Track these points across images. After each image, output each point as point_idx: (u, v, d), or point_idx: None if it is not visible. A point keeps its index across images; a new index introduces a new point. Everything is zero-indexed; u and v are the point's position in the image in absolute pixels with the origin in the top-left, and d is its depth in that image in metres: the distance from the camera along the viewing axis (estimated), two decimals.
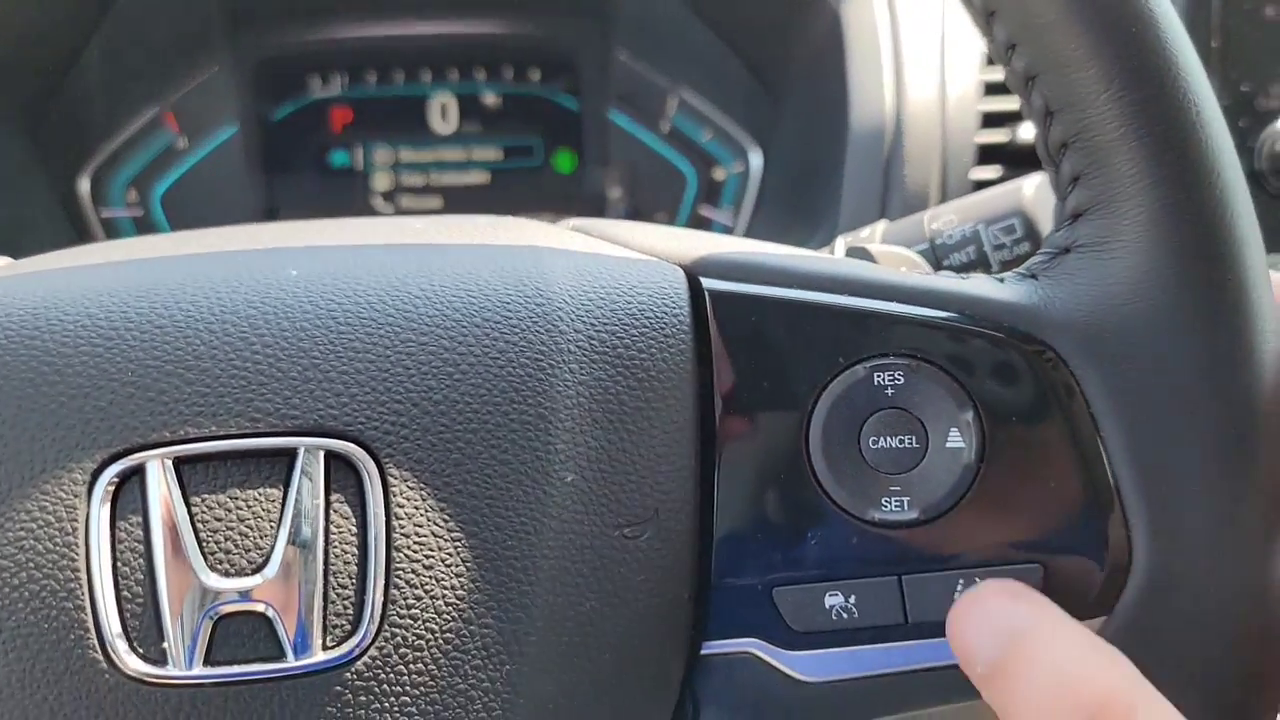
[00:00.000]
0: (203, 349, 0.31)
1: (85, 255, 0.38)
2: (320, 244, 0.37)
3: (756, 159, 0.92)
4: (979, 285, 0.35)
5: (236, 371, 0.31)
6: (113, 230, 0.92)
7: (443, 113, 0.95)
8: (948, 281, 0.36)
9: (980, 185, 0.70)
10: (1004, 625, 0.30)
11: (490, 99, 0.95)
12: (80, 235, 0.91)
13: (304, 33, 0.93)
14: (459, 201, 0.96)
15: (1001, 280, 0.36)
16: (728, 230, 0.94)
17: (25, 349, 0.31)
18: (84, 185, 0.92)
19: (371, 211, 0.96)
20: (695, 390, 0.34)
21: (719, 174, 0.94)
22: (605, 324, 0.34)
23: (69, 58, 0.86)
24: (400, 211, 0.96)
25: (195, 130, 0.93)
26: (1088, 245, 0.34)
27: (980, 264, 0.47)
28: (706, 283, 0.35)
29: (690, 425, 0.34)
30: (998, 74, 0.73)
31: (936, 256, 0.47)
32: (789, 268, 0.36)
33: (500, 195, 0.96)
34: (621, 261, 0.36)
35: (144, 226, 0.93)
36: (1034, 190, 0.47)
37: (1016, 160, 0.70)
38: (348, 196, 0.96)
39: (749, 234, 0.91)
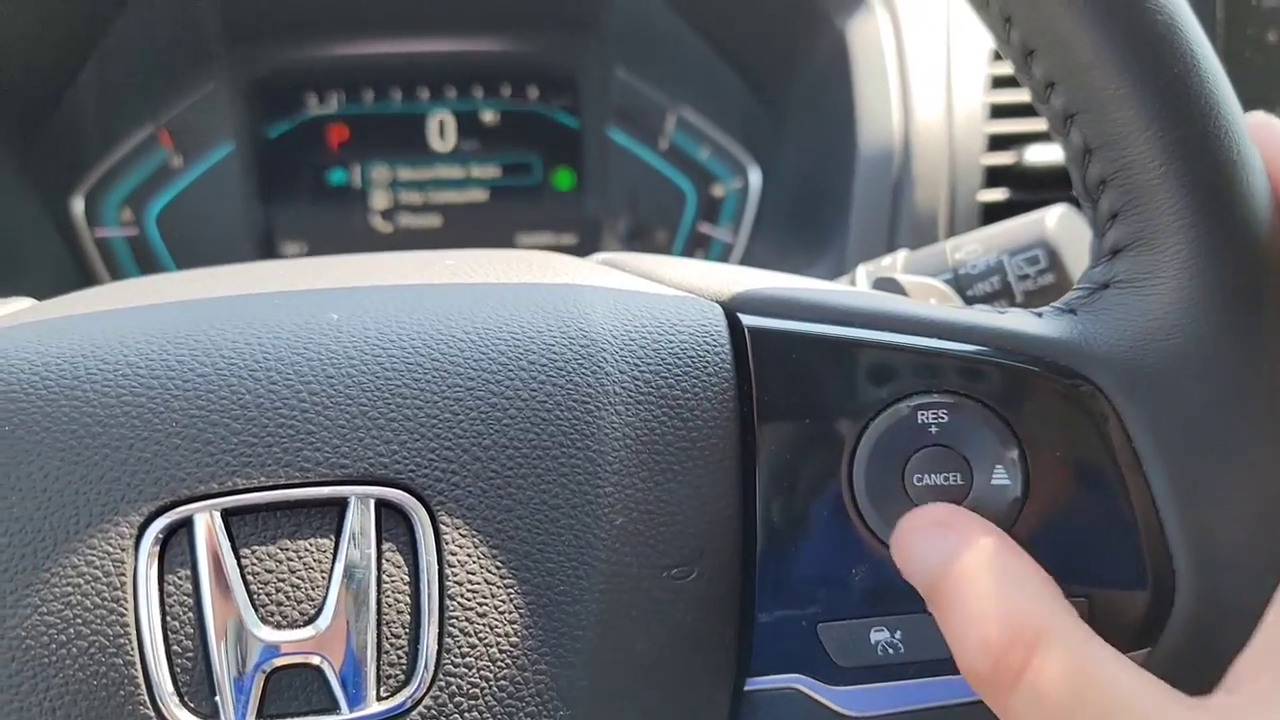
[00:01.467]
0: (248, 397, 0.31)
1: (113, 297, 0.38)
2: (355, 284, 0.37)
3: (756, 176, 0.93)
4: (1018, 320, 0.36)
5: (284, 420, 0.31)
6: (107, 251, 0.91)
7: (441, 130, 0.95)
8: (987, 316, 0.36)
9: (988, 208, 0.71)
10: (935, 554, 0.32)
11: (489, 116, 0.95)
12: (74, 256, 0.90)
13: (301, 50, 0.92)
14: (458, 220, 0.95)
15: (1040, 315, 0.36)
16: (727, 248, 0.94)
17: (66, 399, 0.31)
18: (77, 205, 0.91)
19: (370, 230, 0.95)
20: (738, 429, 0.34)
21: (718, 191, 0.94)
22: (649, 364, 0.34)
23: (65, 79, 0.85)
24: (399, 230, 0.96)
25: (190, 149, 0.92)
26: (1127, 281, 0.34)
27: (1004, 294, 0.47)
28: (745, 319, 0.35)
29: (733, 464, 0.34)
30: (1004, 96, 0.73)
31: (960, 286, 0.47)
32: (827, 303, 0.36)
33: (499, 213, 0.96)
34: (660, 299, 0.36)
35: (139, 247, 0.92)
36: (1056, 221, 0.48)
37: (1024, 183, 0.71)
38: (346, 215, 0.95)
39: (750, 252, 0.91)
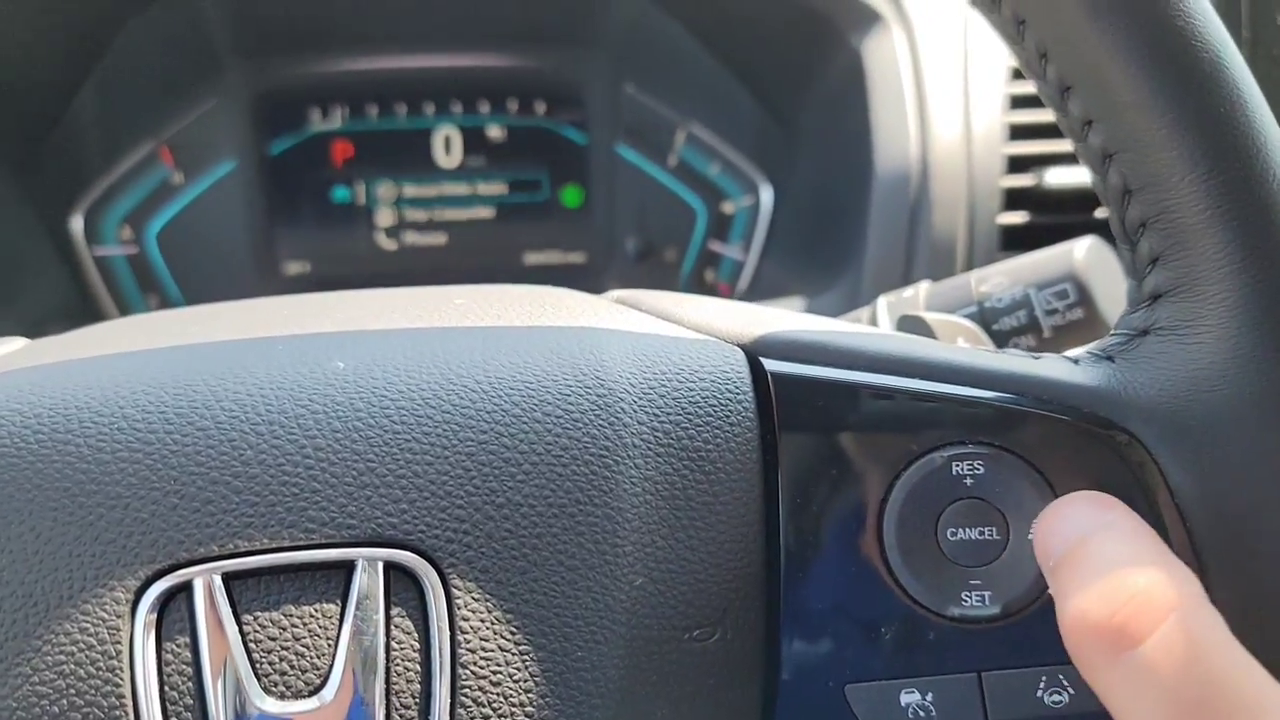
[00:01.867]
0: (250, 454, 0.29)
1: (108, 339, 0.36)
2: (362, 326, 0.35)
3: (766, 193, 0.91)
4: (1054, 367, 0.34)
5: (288, 478, 0.29)
6: (106, 269, 0.90)
7: (446, 146, 0.93)
8: (1022, 363, 0.34)
9: (1007, 231, 0.69)
10: (1079, 525, 0.30)
11: (495, 132, 0.94)
12: (73, 274, 0.89)
13: (304, 65, 0.91)
14: (464, 238, 0.94)
15: (1076, 362, 0.35)
16: (738, 266, 0.92)
17: (59, 455, 0.29)
18: (76, 223, 0.89)
19: (374, 248, 0.94)
20: (761, 481, 0.33)
21: (728, 208, 0.93)
22: (668, 414, 0.32)
23: (66, 95, 0.84)
24: (404, 248, 0.94)
25: (191, 165, 0.91)
26: (1169, 328, 0.33)
27: (1031, 329, 0.46)
28: (768, 365, 0.34)
29: (757, 518, 0.32)
30: (1023, 117, 0.72)
31: (985, 320, 0.46)
32: (855, 347, 0.34)
33: (505, 231, 0.94)
34: (679, 342, 0.35)
35: (138, 265, 0.90)
36: (1085, 253, 0.46)
37: (1044, 206, 0.69)
38: (350, 233, 0.94)
39: (762, 271, 0.90)
